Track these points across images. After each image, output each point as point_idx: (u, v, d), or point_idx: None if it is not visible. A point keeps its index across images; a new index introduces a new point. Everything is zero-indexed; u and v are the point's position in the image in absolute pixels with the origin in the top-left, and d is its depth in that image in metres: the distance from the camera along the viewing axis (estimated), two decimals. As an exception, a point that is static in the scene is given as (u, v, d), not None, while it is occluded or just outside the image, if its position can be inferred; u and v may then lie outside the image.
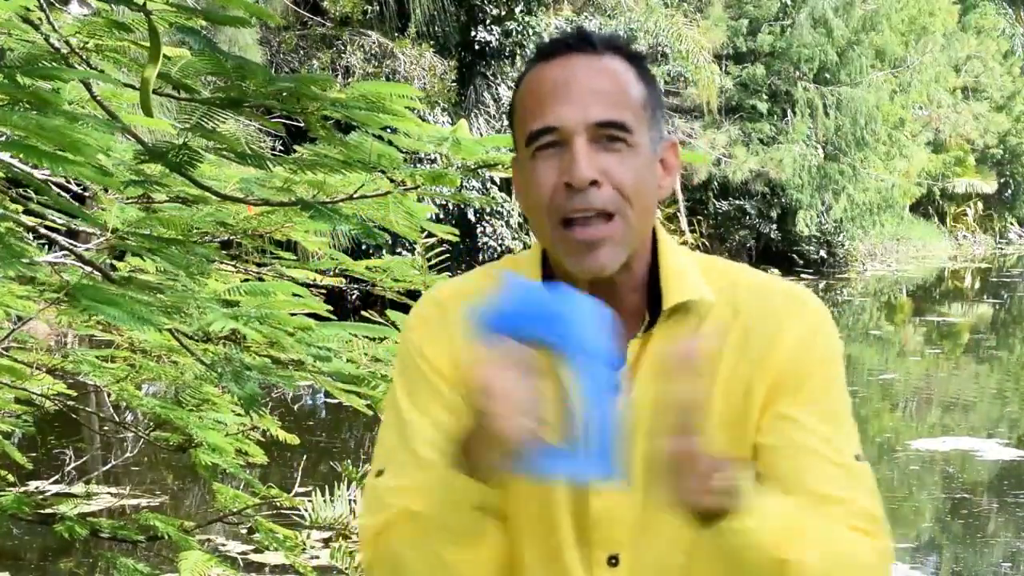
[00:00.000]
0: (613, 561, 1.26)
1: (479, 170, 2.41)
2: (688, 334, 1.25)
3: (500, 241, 16.15)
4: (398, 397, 1.30)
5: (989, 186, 33.98)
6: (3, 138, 1.87)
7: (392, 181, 2.39)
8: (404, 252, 10.57)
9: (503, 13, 16.03)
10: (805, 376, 1.25)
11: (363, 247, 12.20)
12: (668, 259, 1.28)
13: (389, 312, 2.87)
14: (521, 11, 16.15)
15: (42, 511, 3.94)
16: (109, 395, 3.48)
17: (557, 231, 1.21)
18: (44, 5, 1.99)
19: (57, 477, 6.86)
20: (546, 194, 1.21)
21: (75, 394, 3.93)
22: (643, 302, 1.27)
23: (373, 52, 15.48)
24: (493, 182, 15.08)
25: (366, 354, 2.86)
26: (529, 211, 1.25)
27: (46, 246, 3.08)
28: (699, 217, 22.77)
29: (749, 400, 1.25)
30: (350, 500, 6.08)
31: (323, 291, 3.18)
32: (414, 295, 1.80)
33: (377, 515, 1.24)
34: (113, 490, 6.94)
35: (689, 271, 1.28)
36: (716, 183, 22.34)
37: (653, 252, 1.29)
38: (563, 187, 1.19)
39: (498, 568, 1.23)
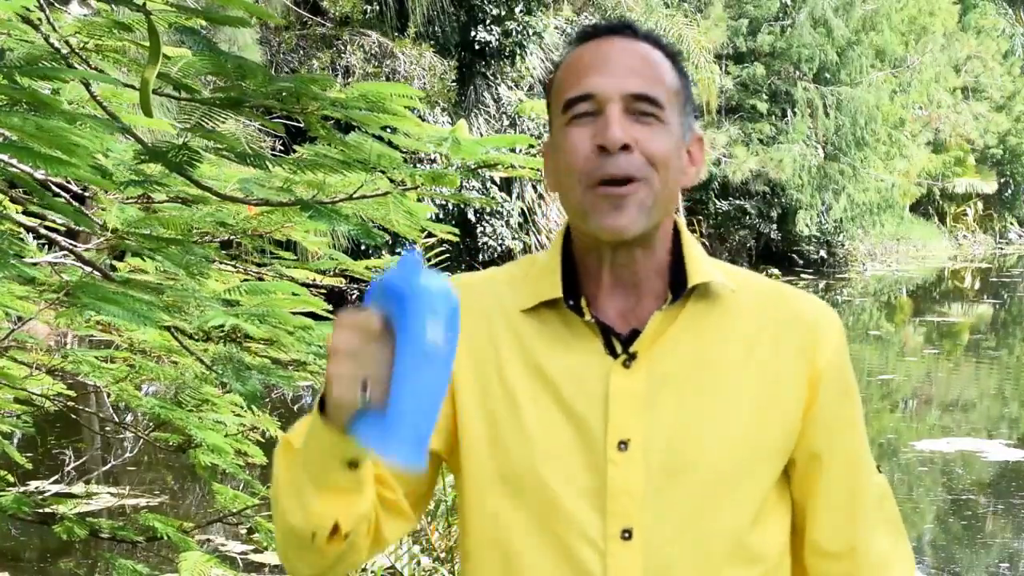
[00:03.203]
0: (627, 535, 1.23)
1: (479, 170, 2.41)
2: (717, 316, 1.30)
3: (500, 241, 16.15)
4: None
5: (989, 186, 33.99)
6: (1, 139, 1.87)
7: (392, 181, 2.39)
8: (404, 252, 10.55)
9: (503, 13, 16.03)
10: (846, 384, 1.33)
11: (363, 247, 12.19)
12: (689, 247, 1.32)
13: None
14: (521, 11, 16.15)
15: (42, 511, 3.94)
16: (109, 395, 3.48)
17: (588, 193, 1.24)
18: (44, 5, 1.98)
19: (57, 477, 6.86)
20: (579, 159, 1.24)
21: (75, 394, 3.93)
22: (665, 285, 1.30)
23: (373, 52, 15.48)
24: (493, 182, 15.09)
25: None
26: (560, 176, 1.28)
27: (46, 246, 3.08)
28: (699, 217, 22.77)
29: (781, 388, 1.29)
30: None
31: (323, 291, 3.18)
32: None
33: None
34: (113, 490, 6.93)
35: (707, 260, 1.33)
36: (716, 183, 22.34)
37: (675, 242, 1.33)
38: (596, 151, 1.23)
39: (364, 528, 1.24)
